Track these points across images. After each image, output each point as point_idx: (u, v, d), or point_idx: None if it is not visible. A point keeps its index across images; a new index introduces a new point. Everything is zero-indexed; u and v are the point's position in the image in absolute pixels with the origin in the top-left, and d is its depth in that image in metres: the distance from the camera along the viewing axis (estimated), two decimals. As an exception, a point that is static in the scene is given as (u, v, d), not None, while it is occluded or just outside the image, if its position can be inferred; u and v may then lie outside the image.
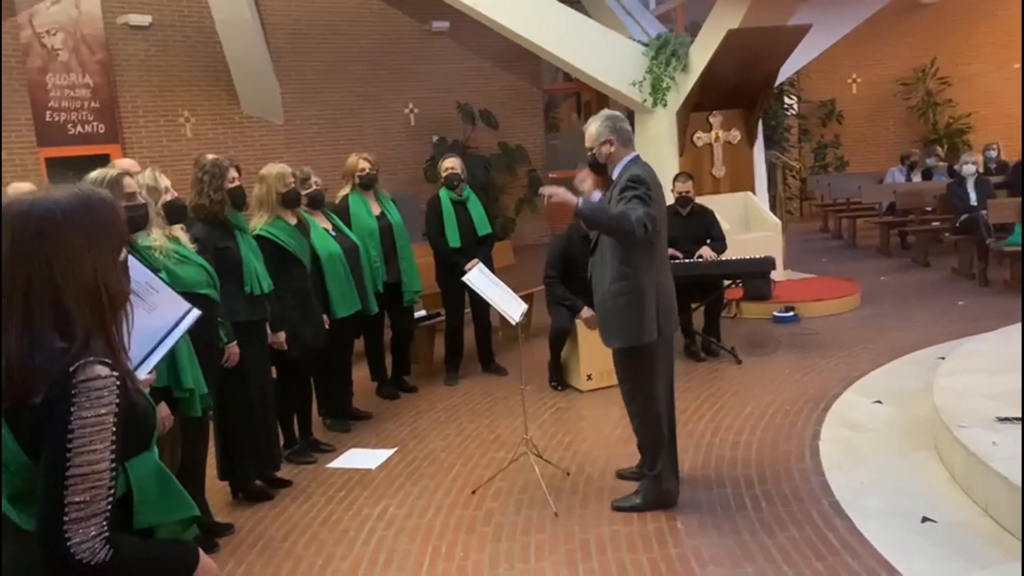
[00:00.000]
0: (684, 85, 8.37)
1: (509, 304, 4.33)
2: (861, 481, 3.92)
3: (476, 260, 5.58)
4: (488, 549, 3.57)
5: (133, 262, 2.63)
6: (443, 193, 5.93)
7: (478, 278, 4.35)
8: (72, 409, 1.38)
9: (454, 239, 5.80)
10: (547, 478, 4.11)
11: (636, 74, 8.47)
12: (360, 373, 5.78)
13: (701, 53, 8.08)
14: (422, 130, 11.92)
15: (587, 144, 3.76)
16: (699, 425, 4.86)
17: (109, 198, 1.60)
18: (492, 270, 5.18)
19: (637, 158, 3.71)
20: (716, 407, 5.17)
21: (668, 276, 3.79)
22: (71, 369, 1.39)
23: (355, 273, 5.05)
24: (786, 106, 12.95)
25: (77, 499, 1.37)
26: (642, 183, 3.53)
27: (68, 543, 1.36)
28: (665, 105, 8.49)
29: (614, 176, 3.72)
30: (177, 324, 2.46)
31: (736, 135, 8.72)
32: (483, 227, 5.94)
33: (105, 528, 1.40)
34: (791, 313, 7.28)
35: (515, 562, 3.45)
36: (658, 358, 3.74)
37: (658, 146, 8.49)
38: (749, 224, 8.46)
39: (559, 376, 5.82)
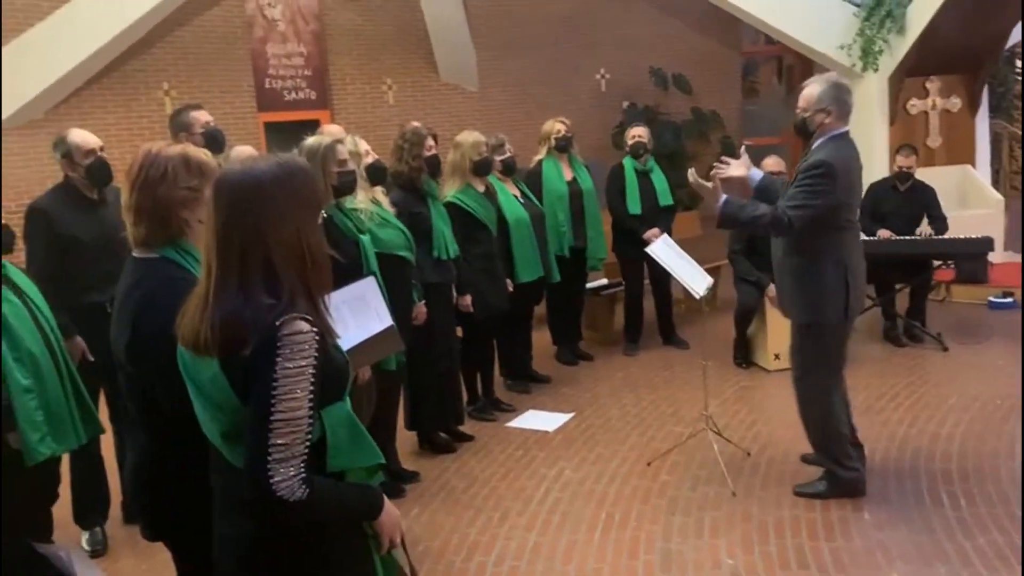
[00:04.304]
0: (899, 48, 7.73)
1: (694, 277, 4.24)
2: (1082, 489, 3.55)
3: (656, 229, 5.54)
4: (662, 521, 3.57)
5: (374, 287, 2.98)
6: (627, 161, 5.89)
7: (662, 250, 4.29)
8: (277, 359, 1.49)
9: (635, 206, 5.76)
10: (726, 457, 4.03)
11: (845, 37, 7.92)
12: (539, 338, 5.89)
13: (921, 13, 7.42)
14: (612, 96, 11.78)
15: (801, 104, 3.53)
16: (895, 414, 4.57)
17: (307, 166, 1.71)
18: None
19: (843, 136, 3.48)
20: (915, 396, 4.83)
21: (858, 258, 3.57)
22: (277, 323, 1.51)
23: (540, 240, 5.14)
24: (1017, 71, 11.68)
25: (280, 441, 1.49)
26: (822, 175, 3.33)
27: (271, 481, 1.48)
28: (876, 70, 7.89)
29: (812, 147, 3.54)
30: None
31: (956, 102, 7.99)
32: (665, 197, 5.86)
33: (303, 469, 1.51)
34: (1010, 299, 6.64)
35: (688, 537, 3.43)
36: (842, 342, 3.55)
37: (866, 114, 7.91)
38: (966, 200, 7.76)
39: (744, 354, 5.66)
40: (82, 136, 3.54)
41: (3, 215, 3.06)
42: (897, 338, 5.91)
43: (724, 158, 3.76)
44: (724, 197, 3.49)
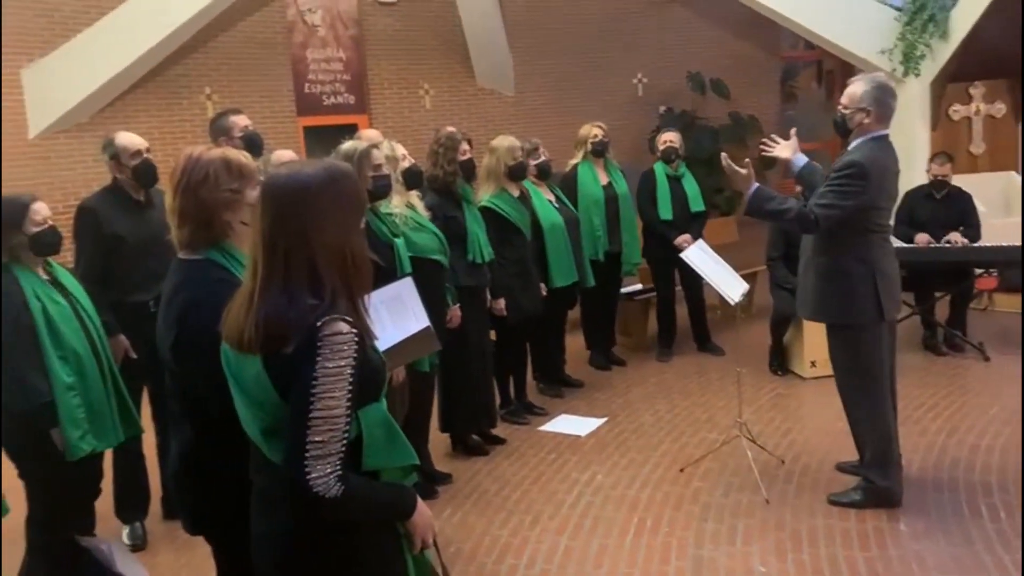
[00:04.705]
0: (941, 53, 7.62)
1: (729, 283, 4.22)
2: None
3: (688, 236, 5.52)
4: (694, 527, 3.56)
5: (411, 288, 3.03)
6: (658, 167, 5.89)
7: (697, 255, 4.27)
8: (317, 359, 1.53)
9: (666, 211, 5.76)
10: (760, 464, 4.00)
11: (886, 41, 7.83)
12: (572, 342, 5.89)
13: (964, 17, 7.30)
14: (649, 100, 11.74)
15: (843, 102, 3.51)
16: (934, 423, 4.50)
17: (351, 171, 1.75)
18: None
19: (882, 138, 3.45)
20: (955, 406, 4.76)
21: (889, 263, 3.53)
22: (318, 324, 1.55)
23: (574, 245, 5.15)
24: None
25: (317, 439, 1.53)
26: (854, 176, 3.31)
27: (307, 477, 1.52)
28: (918, 75, 7.78)
29: (849, 148, 3.52)
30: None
31: (1001, 108, 7.85)
32: (696, 203, 5.85)
33: (339, 467, 1.54)
34: (1055, 309, 6.49)
35: (721, 543, 3.41)
36: (880, 344, 3.50)
37: (907, 120, 7.78)
38: (1010, 207, 7.59)
39: (780, 361, 5.60)
40: (129, 138, 3.64)
41: (52, 217, 3.15)
42: (936, 347, 5.82)
43: (773, 136, 3.74)
44: (756, 185, 3.50)
